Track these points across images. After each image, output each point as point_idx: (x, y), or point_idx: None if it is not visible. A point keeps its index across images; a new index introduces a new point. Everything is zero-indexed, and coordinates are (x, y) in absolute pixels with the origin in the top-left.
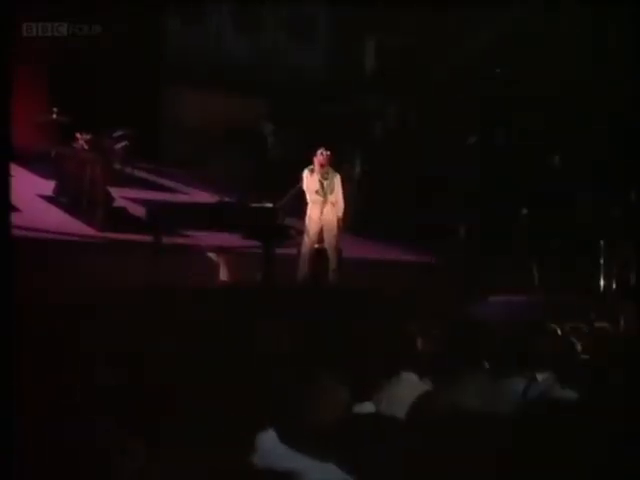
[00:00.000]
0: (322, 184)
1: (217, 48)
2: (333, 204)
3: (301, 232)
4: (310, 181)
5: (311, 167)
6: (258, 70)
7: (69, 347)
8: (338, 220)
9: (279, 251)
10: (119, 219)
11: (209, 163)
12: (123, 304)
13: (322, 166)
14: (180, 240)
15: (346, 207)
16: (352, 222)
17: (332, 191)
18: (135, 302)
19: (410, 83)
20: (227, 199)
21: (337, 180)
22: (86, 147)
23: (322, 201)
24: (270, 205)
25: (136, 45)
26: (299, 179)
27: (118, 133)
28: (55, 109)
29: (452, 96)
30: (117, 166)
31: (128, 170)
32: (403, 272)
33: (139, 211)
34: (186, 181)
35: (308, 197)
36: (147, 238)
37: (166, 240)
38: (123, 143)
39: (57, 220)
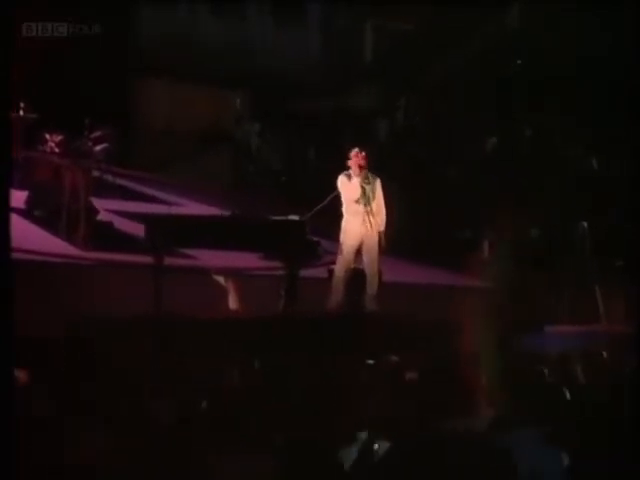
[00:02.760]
0: (364, 190)
1: (190, 36)
2: (374, 215)
3: (332, 250)
4: (349, 188)
5: (347, 172)
6: (242, 62)
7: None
8: (379, 234)
9: (305, 273)
10: (105, 236)
11: (191, 169)
12: (113, 336)
13: (361, 168)
14: (182, 261)
15: (389, 218)
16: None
17: (374, 198)
18: (128, 335)
19: (417, 76)
20: (239, 211)
21: (378, 185)
22: (56, 150)
23: (364, 211)
24: (296, 218)
25: (107, 37)
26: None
27: (96, 133)
28: (22, 104)
29: (467, 90)
30: (96, 172)
31: (109, 177)
32: (452, 298)
33: (128, 226)
34: (178, 190)
35: (345, 207)
36: (141, 258)
37: (166, 261)
38: (103, 145)
39: (32, 237)
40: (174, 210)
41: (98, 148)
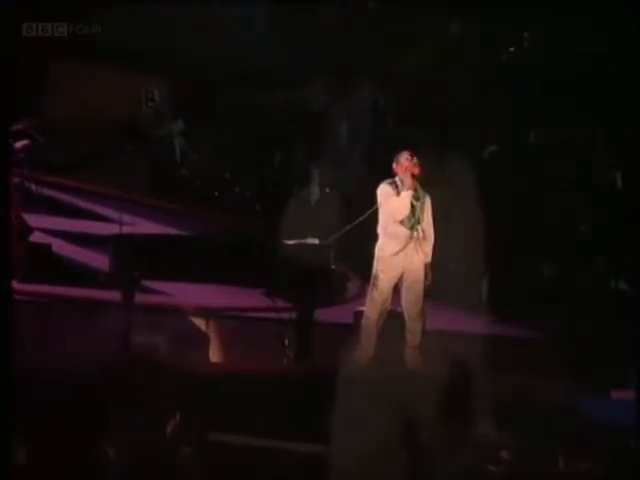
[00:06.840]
0: (413, 208)
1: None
2: (420, 241)
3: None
4: (395, 203)
5: (391, 180)
6: (168, 45)
7: None
8: (425, 267)
9: (323, 316)
10: (43, 263)
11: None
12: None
13: (415, 177)
14: (152, 298)
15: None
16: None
17: (422, 220)
18: (80, 388)
19: (391, 61)
20: (233, 232)
21: (428, 204)
22: None
23: (406, 235)
24: (314, 241)
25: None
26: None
27: (15, 126)
28: None
29: (452, 81)
30: (16, 179)
31: (33, 185)
32: (508, 351)
33: (72, 251)
34: (119, 204)
35: (382, 227)
36: (94, 293)
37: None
38: (23, 142)
39: None
40: (126, 230)
41: (18, 145)
